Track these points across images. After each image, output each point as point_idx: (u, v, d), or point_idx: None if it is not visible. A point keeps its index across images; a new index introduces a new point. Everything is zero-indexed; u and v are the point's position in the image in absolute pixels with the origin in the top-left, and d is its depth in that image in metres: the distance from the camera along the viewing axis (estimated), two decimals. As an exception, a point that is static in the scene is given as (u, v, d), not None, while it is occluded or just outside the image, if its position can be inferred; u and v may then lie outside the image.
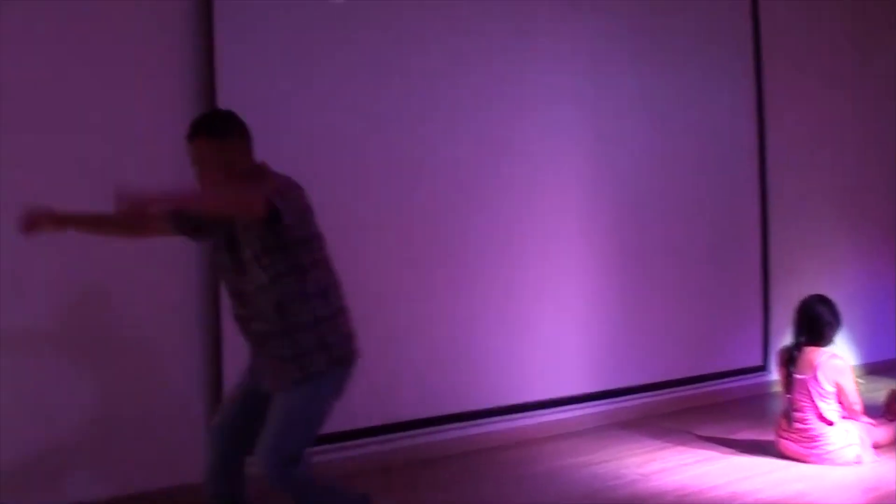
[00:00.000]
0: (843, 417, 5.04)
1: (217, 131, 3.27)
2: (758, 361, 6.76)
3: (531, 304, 5.63)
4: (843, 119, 7.41)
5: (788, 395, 5.07)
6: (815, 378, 4.96)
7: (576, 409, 5.81)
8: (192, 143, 3.28)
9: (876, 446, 5.10)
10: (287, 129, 4.64)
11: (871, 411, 5.50)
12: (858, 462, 4.93)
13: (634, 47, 6.12)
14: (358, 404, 4.55)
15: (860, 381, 6.87)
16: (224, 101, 4.28)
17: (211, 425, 3.56)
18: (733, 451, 5.30)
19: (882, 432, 5.23)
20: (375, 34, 5.03)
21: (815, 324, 5.08)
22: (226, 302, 3.60)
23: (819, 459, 4.94)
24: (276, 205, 3.07)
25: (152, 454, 4.38)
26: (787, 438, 5.07)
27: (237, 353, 3.69)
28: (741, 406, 6.42)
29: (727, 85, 6.64)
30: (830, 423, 4.96)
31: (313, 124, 4.80)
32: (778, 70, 6.87)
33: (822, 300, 5.17)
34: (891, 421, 5.41)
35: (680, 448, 5.38)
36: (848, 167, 7.46)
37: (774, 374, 5.34)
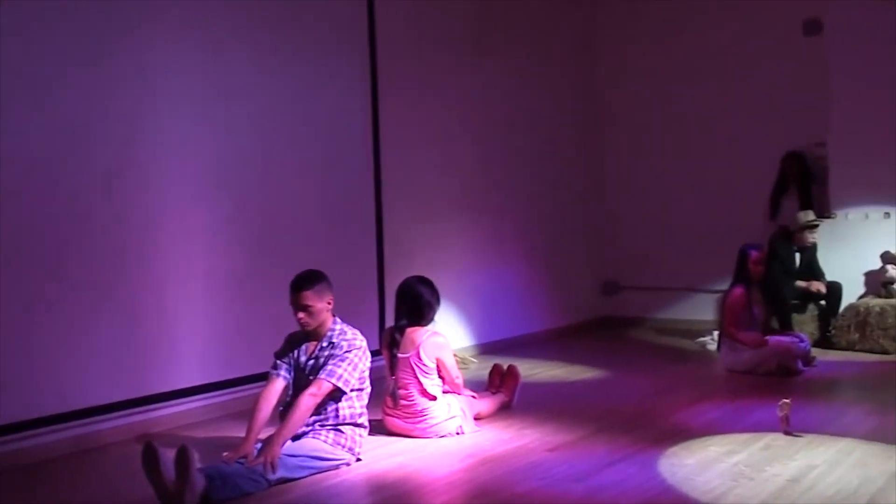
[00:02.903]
0: (446, 392, 5.28)
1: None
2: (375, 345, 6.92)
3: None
4: (455, 115, 7.77)
5: (393, 376, 5.24)
6: (418, 355, 5.17)
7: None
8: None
9: (478, 417, 5.40)
10: None
11: (480, 386, 5.82)
12: (460, 433, 5.19)
13: (252, 36, 6.11)
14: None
15: (473, 359, 7.31)
16: None
17: None
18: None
19: (484, 404, 5.54)
20: None
21: (416, 304, 5.28)
22: None
23: (423, 433, 5.15)
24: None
25: None
26: (392, 416, 5.24)
27: None
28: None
29: (342, 75, 6.75)
30: (433, 398, 5.18)
31: None
32: (392, 62, 7.09)
33: (422, 280, 5.38)
34: (493, 394, 5.74)
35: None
36: (464, 161, 7.85)
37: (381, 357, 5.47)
